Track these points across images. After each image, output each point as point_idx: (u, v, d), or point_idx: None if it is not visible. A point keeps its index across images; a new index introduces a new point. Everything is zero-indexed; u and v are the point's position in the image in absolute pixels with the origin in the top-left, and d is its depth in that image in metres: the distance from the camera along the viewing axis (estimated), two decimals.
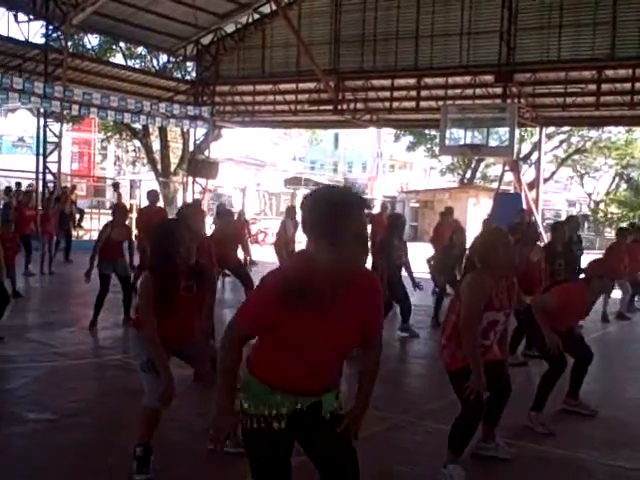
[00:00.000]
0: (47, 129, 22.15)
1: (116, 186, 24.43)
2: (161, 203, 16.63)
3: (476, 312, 4.38)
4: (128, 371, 7.31)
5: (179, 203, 27.71)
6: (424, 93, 22.55)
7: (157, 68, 26.95)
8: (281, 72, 24.10)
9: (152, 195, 12.40)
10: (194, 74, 27.03)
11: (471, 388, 4.33)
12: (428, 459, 4.93)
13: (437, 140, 27.04)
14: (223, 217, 9.48)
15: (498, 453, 4.96)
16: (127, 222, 10.02)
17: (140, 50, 27.30)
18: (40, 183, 21.95)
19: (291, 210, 13.88)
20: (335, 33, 22.91)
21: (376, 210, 19.03)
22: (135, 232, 11.74)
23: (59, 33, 21.30)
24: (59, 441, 5.10)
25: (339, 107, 23.23)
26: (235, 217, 12.14)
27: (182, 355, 4.75)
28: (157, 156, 31.31)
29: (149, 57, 27.25)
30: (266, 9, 23.86)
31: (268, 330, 2.67)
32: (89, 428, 5.45)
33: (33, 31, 21.80)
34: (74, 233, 19.12)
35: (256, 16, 24.25)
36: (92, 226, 23.54)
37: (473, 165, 40.25)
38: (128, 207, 11.87)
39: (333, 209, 2.51)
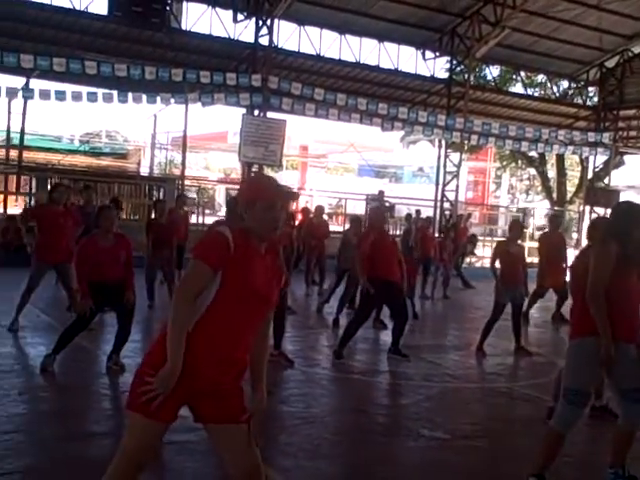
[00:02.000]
0: (447, 159, 23.14)
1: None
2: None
3: None
4: (519, 400, 7.26)
5: (574, 233, 26.83)
6: None
7: (557, 95, 26.51)
8: None
9: (552, 221, 12.16)
10: (596, 99, 26.05)
11: None
12: None
13: None
14: None
15: None
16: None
17: (540, 78, 27.12)
18: (437, 211, 22.99)
19: None
20: None
21: None
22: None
23: (462, 67, 22.18)
24: (450, 461, 5.20)
25: None
26: None
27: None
28: (552, 184, 30.72)
29: (549, 84, 26.92)
30: None
31: None
32: (480, 452, 5.48)
33: (438, 67, 22.95)
34: (467, 260, 19.59)
35: None
36: (484, 253, 23.91)
37: None
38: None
39: None
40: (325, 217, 15.09)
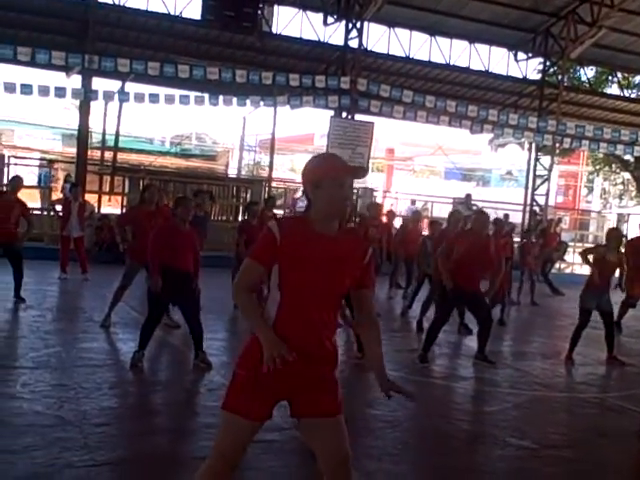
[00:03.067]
0: (537, 162, 22.60)
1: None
2: None
3: None
4: (610, 411, 7.02)
5: None
6: None
7: None
8: None
9: None
10: None
11: None
12: None
13: None
14: None
15: None
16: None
17: (638, 79, 26.19)
18: (527, 216, 22.50)
19: None
20: None
21: None
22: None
23: (555, 68, 21.63)
24: (538, 471, 5.07)
25: None
26: None
27: None
28: None
29: None
30: None
31: None
32: (570, 463, 5.30)
33: (530, 68, 22.50)
34: (557, 266, 19.07)
35: None
36: (574, 259, 23.25)
37: None
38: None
39: None
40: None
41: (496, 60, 21.80)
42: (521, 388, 7.47)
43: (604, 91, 25.50)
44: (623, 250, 9.73)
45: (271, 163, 22.69)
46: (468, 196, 21.56)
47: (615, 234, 9.31)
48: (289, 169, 40.55)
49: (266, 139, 26.02)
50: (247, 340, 3.08)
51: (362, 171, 3.21)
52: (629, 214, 28.81)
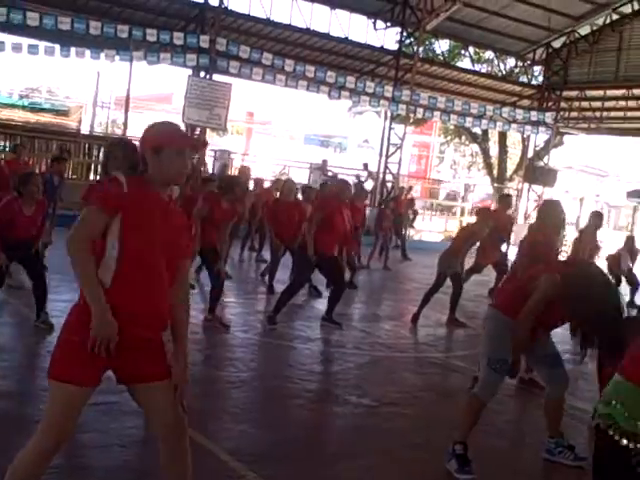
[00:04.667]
0: (391, 131, 23.14)
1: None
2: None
3: None
4: (448, 370, 7.42)
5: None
6: None
7: (503, 72, 26.76)
8: (637, 76, 22.34)
9: (503, 201, 12.49)
10: (541, 78, 26.35)
11: None
12: None
13: None
14: None
15: None
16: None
17: (488, 54, 27.33)
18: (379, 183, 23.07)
19: (630, 240, 13.20)
20: None
21: None
22: None
23: (412, 39, 22.13)
24: (375, 426, 5.29)
25: None
26: None
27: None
28: (494, 161, 31.17)
29: (496, 61, 27.14)
30: (627, 9, 22.32)
31: None
32: (406, 419, 5.58)
33: (388, 38, 22.90)
34: (408, 232, 19.71)
35: (615, 17, 22.76)
36: (424, 227, 24.22)
37: None
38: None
39: None
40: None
41: (356, 27, 22.04)
42: (364, 349, 7.75)
43: (456, 64, 26.40)
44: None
45: (126, 121, 21.98)
46: (324, 162, 21.89)
47: (485, 213, 9.84)
48: None
49: (122, 96, 25.09)
50: (78, 303, 2.94)
51: (202, 145, 3.32)
52: (475, 185, 30.27)
